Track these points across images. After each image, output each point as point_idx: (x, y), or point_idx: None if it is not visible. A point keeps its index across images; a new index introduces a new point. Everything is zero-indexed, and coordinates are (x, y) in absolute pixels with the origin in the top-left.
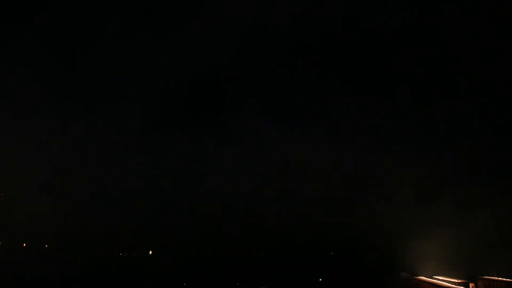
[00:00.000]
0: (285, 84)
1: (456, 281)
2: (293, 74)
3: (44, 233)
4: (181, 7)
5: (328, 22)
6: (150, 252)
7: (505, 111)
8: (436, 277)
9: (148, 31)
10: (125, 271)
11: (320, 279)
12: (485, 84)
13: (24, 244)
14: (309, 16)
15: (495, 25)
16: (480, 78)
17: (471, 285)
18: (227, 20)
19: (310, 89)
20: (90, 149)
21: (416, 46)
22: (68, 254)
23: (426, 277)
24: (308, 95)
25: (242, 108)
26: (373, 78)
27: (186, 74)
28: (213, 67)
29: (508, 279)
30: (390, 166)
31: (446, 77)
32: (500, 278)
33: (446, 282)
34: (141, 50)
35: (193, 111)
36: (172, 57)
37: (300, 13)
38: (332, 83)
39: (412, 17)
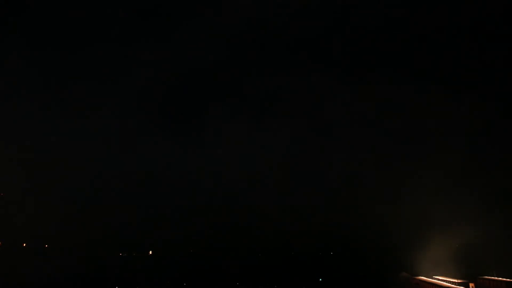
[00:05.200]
0: (275, 83)
1: (456, 281)
2: (280, 72)
3: (44, 233)
4: (173, 9)
5: (318, 21)
6: (150, 252)
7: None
8: (436, 277)
9: (143, 32)
10: (125, 271)
11: (320, 279)
12: (490, 83)
13: (24, 244)
14: (300, 15)
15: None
16: (482, 76)
17: (471, 285)
18: (217, 23)
19: (301, 88)
20: (89, 150)
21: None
22: (68, 254)
23: (426, 277)
24: (300, 93)
25: (235, 108)
26: (366, 75)
27: (174, 75)
28: (203, 67)
29: (508, 279)
30: (391, 166)
31: (448, 74)
32: (500, 278)
33: (446, 282)
34: (134, 51)
35: (184, 112)
36: (164, 57)
37: (291, 13)
38: (322, 80)
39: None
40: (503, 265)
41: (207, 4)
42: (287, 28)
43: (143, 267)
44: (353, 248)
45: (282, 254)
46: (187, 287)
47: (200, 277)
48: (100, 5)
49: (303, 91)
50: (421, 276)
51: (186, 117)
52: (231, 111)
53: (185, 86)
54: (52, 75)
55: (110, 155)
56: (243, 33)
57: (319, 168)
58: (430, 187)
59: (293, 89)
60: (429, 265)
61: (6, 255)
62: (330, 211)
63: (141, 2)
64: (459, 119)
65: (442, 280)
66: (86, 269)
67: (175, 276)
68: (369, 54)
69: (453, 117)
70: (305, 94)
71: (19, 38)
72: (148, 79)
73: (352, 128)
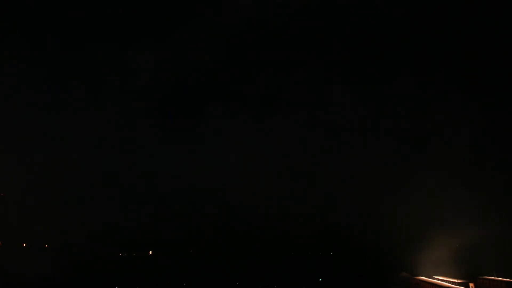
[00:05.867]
0: (275, 83)
1: (456, 281)
2: (280, 72)
3: (44, 233)
4: (172, 10)
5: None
6: (150, 252)
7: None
8: (436, 277)
9: (145, 33)
10: (125, 271)
11: (320, 279)
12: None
13: (24, 244)
14: (300, 15)
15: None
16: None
17: (471, 285)
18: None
19: (301, 87)
20: (89, 150)
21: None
22: (68, 254)
23: (426, 277)
24: (300, 93)
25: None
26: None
27: (174, 75)
28: (203, 67)
29: (508, 279)
30: (391, 166)
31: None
32: (500, 278)
33: (446, 282)
34: (134, 51)
35: (184, 112)
36: (164, 57)
37: (291, 13)
38: (322, 80)
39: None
40: (503, 265)
41: (207, 4)
42: (287, 28)
43: (143, 267)
44: (353, 248)
45: (282, 254)
46: (187, 287)
47: (200, 277)
48: (100, 5)
49: (303, 91)
50: (421, 276)
51: (186, 117)
52: (231, 111)
53: (185, 86)
54: (52, 75)
55: (110, 155)
56: (243, 33)
57: (319, 168)
58: (430, 187)
59: (293, 89)
60: (429, 265)
61: (6, 255)
62: (330, 211)
63: (141, 2)
64: (460, 119)
65: (442, 280)
66: (86, 269)
67: (175, 276)
68: (369, 54)
69: (454, 117)
70: (305, 94)
71: (19, 38)
72: (148, 79)
73: (352, 127)
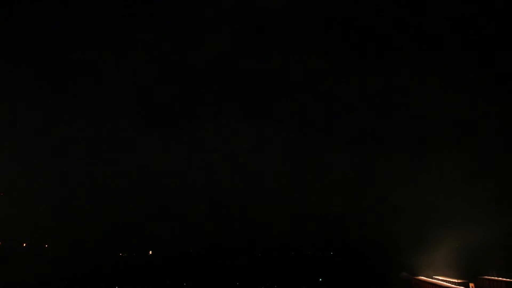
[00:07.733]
0: (275, 81)
1: (456, 281)
2: (280, 71)
3: (44, 233)
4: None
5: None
6: (150, 252)
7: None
8: (436, 277)
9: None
10: (125, 271)
11: (320, 279)
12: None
13: (24, 244)
14: (300, 13)
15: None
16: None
17: (471, 285)
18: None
19: (300, 86)
20: (89, 150)
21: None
22: (68, 254)
23: (426, 277)
24: (300, 91)
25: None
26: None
27: (173, 74)
28: (202, 66)
29: (508, 279)
30: (391, 165)
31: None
32: (500, 278)
33: (446, 282)
34: (134, 50)
35: (183, 112)
36: (164, 57)
37: (290, 10)
38: (321, 79)
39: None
40: (503, 265)
41: (207, 4)
42: (286, 27)
43: (143, 267)
44: (353, 248)
45: (282, 254)
46: (187, 287)
47: (200, 277)
48: (100, 4)
49: (303, 89)
50: (421, 276)
51: (185, 116)
52: (231, 111)
53: (184, 85)
54: (51, 75)
55: (109, 155)
56: (242, 31)
57: (319, 167)
58: (431, 187)
59: (293, 87)
60: (429, 265)
61: (6, 255)
62: (330, 211)
63: (141, 2)
64: (461, 118)
65: (442, 280)
66: (86, 269)
67: (175, 276)
68: (368, 53)
69: (455, 115)
70: (305, 92)
71: (18, 37)
72: (148, 79)
73: (352, 126)
